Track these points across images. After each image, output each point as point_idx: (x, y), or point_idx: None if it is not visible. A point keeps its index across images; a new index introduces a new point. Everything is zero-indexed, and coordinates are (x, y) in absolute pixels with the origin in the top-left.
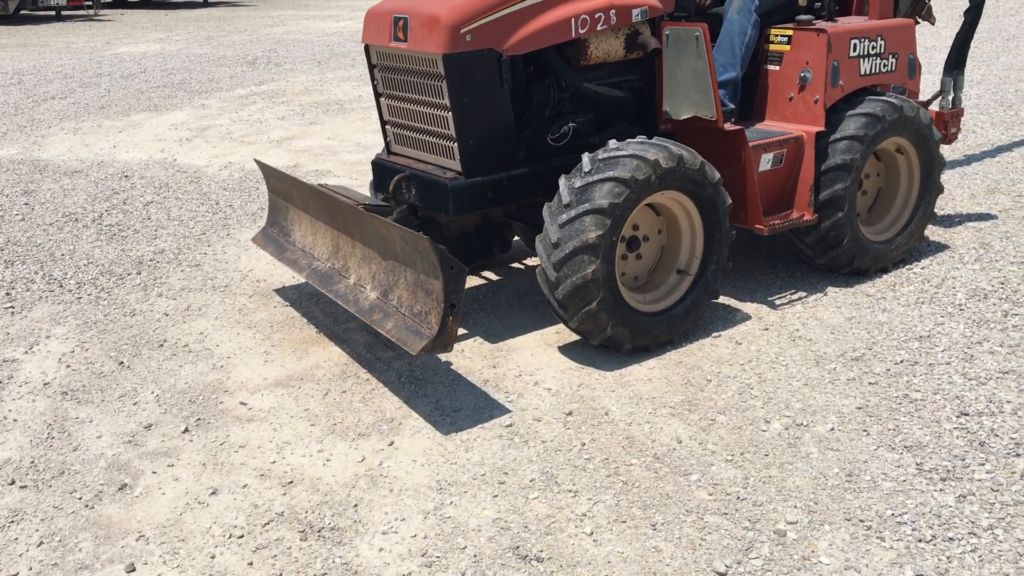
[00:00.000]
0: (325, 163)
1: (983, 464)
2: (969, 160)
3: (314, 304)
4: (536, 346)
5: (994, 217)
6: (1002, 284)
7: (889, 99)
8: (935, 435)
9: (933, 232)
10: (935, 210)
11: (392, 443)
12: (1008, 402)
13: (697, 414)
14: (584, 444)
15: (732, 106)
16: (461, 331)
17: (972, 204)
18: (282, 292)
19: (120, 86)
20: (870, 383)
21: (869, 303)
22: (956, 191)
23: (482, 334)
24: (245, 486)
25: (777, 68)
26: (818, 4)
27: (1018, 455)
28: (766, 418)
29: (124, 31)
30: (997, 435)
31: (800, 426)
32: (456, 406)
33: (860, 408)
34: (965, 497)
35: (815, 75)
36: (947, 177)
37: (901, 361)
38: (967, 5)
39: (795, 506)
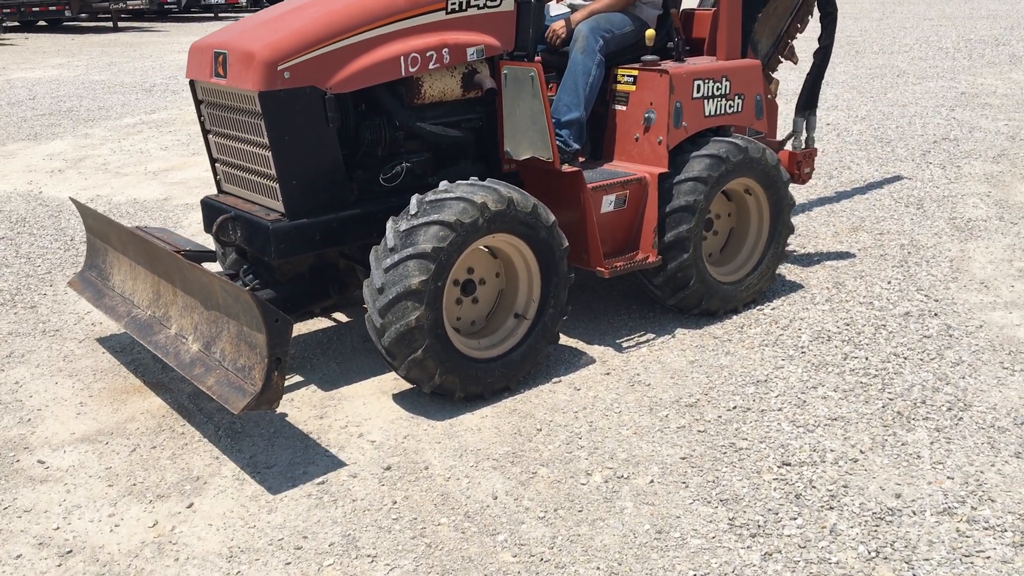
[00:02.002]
0: (198, 196)
1: (795, 518)
2: (839, 197)
3: (145, 350)
4: (371, 394)
5: (852, 256)
6: (848, 325)
7: (734, 140)
8: (753, 487)
9: (789, 271)
10: (789, 249)
11: (191, 505)
12: (831, 451)
13: (519, 467)
14: (395, 502)
15: (577, 146)
16: (295, 378)
17: (834, 242)
18: (115, 337)
19: (3, 114)
20: (699, 431)
21: (714, 345)
22: (821, 229)
23: (317, 381)
24: (19, 556)
25: (624, 108)
26: (669, 44)
27: (831, 508)
28: (588, 470)
29: (24, 56)
30: (814, 486)
31: (620, 478)
32: (271, 462)
33: (684, 458)
34: (771, 555)
35: (658, 116)
36: (815, 214)
37: (734, 407)
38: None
39: (598, 568)
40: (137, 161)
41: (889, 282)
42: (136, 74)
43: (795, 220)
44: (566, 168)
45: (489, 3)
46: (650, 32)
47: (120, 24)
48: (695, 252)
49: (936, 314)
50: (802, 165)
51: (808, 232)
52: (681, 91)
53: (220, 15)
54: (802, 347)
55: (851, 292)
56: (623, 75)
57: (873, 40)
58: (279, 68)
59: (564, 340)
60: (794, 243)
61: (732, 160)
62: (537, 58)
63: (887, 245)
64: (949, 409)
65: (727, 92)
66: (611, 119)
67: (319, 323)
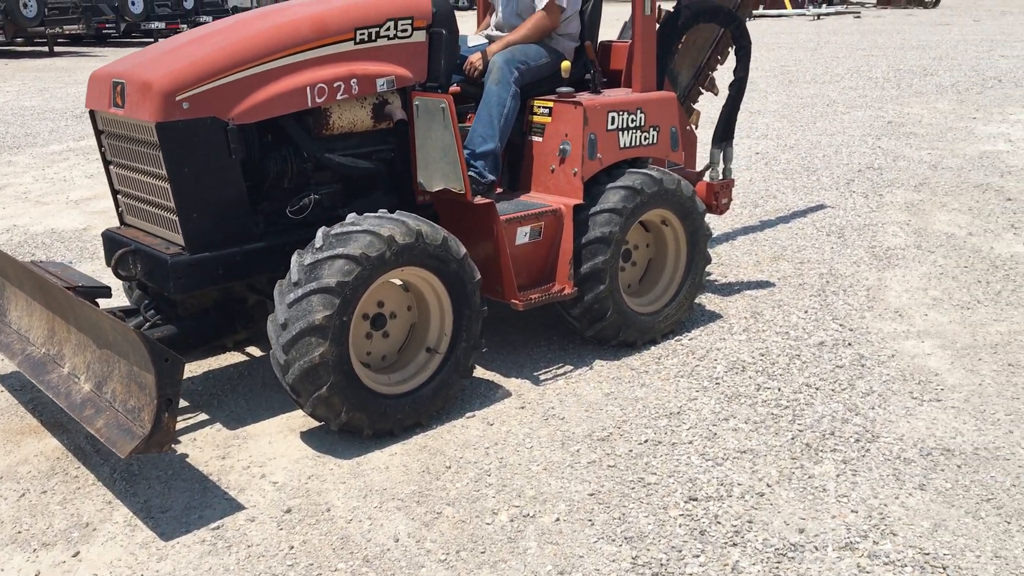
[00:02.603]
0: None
1: (698, 556)
2: (763, 226)
3: None
4: (277, 432)
5: (772, 285)
6: (763, 356)
7: (649, 172)
8: (659, 523)
9: (710, 301)
10: (711, 278)
11: (77, 554)
12: (739, 484)
13: (424, 507)
14: (292, 547)
15: (492, 177)
16: (200, 416)
17: (755, 271)
18: (15, 375)
19: None
20: (609, 466)
21: (630, 377)
22: (743, 258)
23: (223, 418)
24: None
25: (540, 140)
26: (588, 76)
27: (735, 544)
28: (494, 509)
29: None
30: (719, 522)
31: (526, 517)
32: (166, 506)
33: (592, 495)
34: None
35: (573, 148)
36: (739, 243)
37: (645, 440)
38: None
39: None
40: (60, 190)
41: (806, 311)
42: (68, 100)
43: (719, 249)
44: (478, 200)
45: (400, 34)
46: (566, 64)
47: (56, 49)
48: (611, 283)
49: (850, 344)
50: (720, 196)
51: (731, 261)
52: (595, 123)
53: (160, 40)
54: (717, 378)
55: (768, 322)
56: (539, 106)
57: (807, 70)
58: (177, 99)
59: (480, 373)
60: (716, 272)
61: (647, 191)
62: (456, 88)
63: (807, 274)
64: (857, 440)
65: (642, 124)
66: (528, 150)
67: (231, 357)
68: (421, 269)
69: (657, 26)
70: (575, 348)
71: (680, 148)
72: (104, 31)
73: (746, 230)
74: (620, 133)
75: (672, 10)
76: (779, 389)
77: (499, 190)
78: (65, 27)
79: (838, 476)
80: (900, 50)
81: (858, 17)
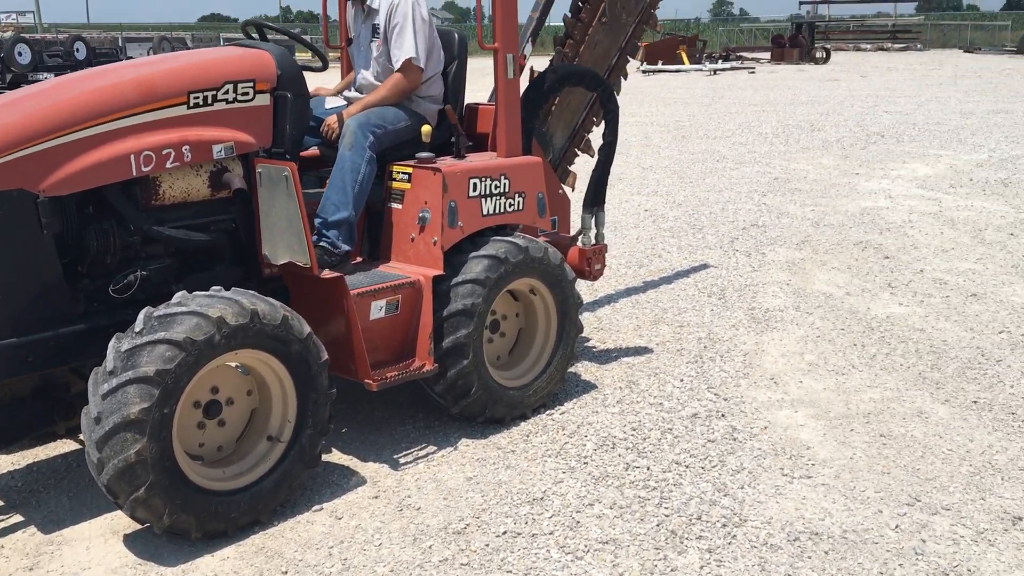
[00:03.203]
0: None
1: None
2: (646, 287)
3: None
4: (99, 535)
5: (650, 351)
6: (634, 430)
7: (514, 240)
8: None
9: (586, 370)
10: (589, 344)
11: None
12: None
13: None
14: None
15: (347, 247)
16: (13, 518)
17: (635, 336)
18: None
19: None
20: (462, 564)
21: (496, 458)
22: (624, 322)
23: (40, 520)
24: None
25: (400, 207)
26: (453, 139)
27: None
28: None
29: None
30: None
31: None
32: None
33: None
34: None
35: (433, 216)
36: (620, 305)
37: (504, 532)
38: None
39: None
40: None
41: (682, 380)
42: None
43: (600, 312)
44: (326, 274)
45: (240, 97)
46: (426, 128)
47: None
48: (475, 358)
49: (723, 415)
50: (592, 262)
51: (611, 325)
52: (456, 190)
53: None
54: (585, 457)
55: (643, 392)
56: (398, 172)
57: (700, 125)
58: None
59: (334, 457)
60: (595, 338)
61: (512, 260)
62: (314, 151)
63: (685, 339)
64: (724, 526)
65: (506, 190)
66: (388, 218)
67: (62, 446)
68: (259, 351)
69: (524, 89)
70: (441, 425)
71: (548, 214)
72: None
73: (629, 291)
74: (483, 200)
75: (538, 73)
76: (648, 468)
77: (360, 259)
78: None
79: (701, 568)
80: (790, 105)
81: (752, 72)
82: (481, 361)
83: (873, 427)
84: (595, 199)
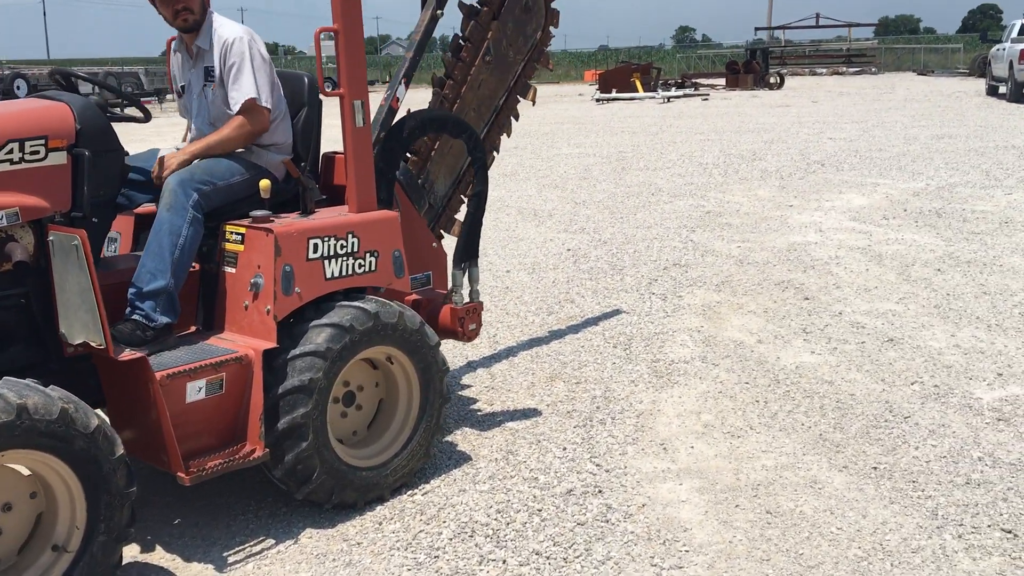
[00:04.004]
0: None
1: None
2: (551, 337)
3: None
4: None
5: (538, 414)
6: (500, 512)
7: (362, 306)
8: None
9: (465, 437)
10: (475, 407)
11: None
12: None
13: None
14: None
15: (166, 319)
16: None
17: (526, 395)
18: None
19: None
20: None
21: (338, 552)
22: (519, 378)
23: None
24: None
25: (233, 271)
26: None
27: None
28: None
29: None
30: None
31: None
32: None
33: None
34: None
35: (266, 281)
36: (519, 359)
37: None
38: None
39: None
40: None
41: (564, 448)
42: None
43: (495, 368)
44: (125, 355)
45: (28, 157)
46: (264, 183)
47: None
48: (316, 439)
49: (601, 490)
50: (466, 321)
51: (504, 383)
52: (291, 252)
53: None
54: (438, 548)
55: (520, 464)
56: (232, 232)
57: (642, 155)
58: None
59: (156, 557)
60: (484, 399)
61: (359, 329)
62: (151, 207)
63: (579, 398)
64: None
65: (355, 250)
66: (222, 283)
67: None
68: (35, 451)
69: (384, 137)
70: (287, 513)
71: (406, 274)
72: None
73: (532, 343)
74: (326, 262)
75: (396, 120)
76: (504, 561)
77: (194, 328)
78: None
79: None
80: (736, 133)
81: (706, 99)
82: (324, 442)
83: (761, 502)
84: (465, 253)
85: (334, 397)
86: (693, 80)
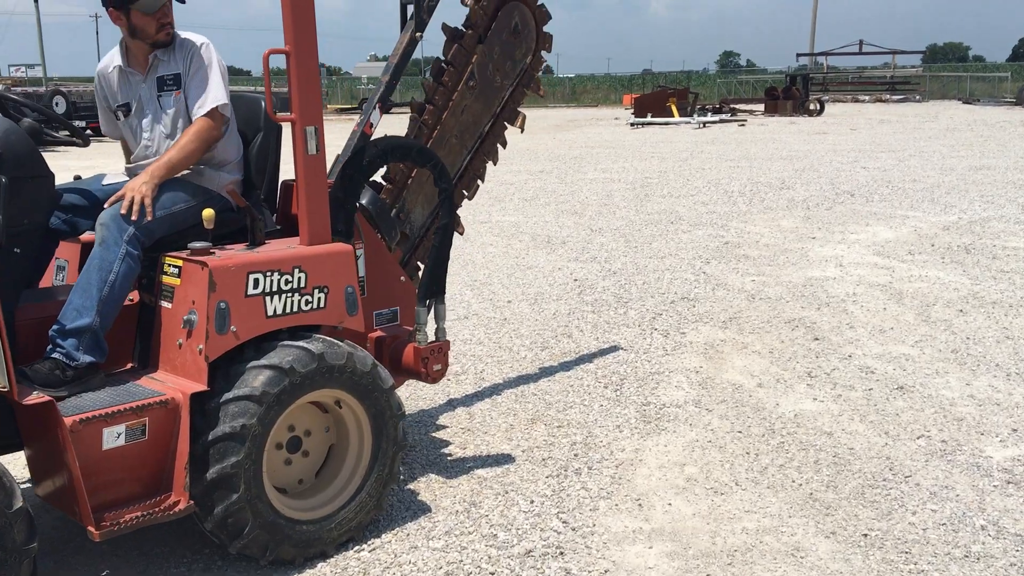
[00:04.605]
0: None
1: None
2: (541, 374)
3: None
4: None
5: (511, 460)
6: (456, 569)
7: (306, 346)
8: None
9: (428, 485)
10: (445, 451)
11: None
12: None
13: None
14: None
15: (89, 359)
16: None
17: (503, 439)
18: None
19: None
20: None
21: None
22: (499, 420)
23: None
24: None
25: (170, 307)
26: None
27: None
28: None
29: None
30: None
31: None
32: None
33: None
34: None
35: (199, 318)
36: (503, 398)
37: None
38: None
39: None
40: None
41: (532, 501)
42: None
43: (478, 407)
44: (30, 399)
45: None
46: (208, 212)
47: None
48: (249, 490)
49: (562, 552)
50: (430, 362)
51: (482, 425)
52: (227, 288)
53: None
54: None
55: (481, 517)
56: (169, 265)
57: (667, 182)
58: None
59: None
60: (457, 442)
61: (301, 371)
62: (85, 236)
63: (558, 443)
64: None
65: (301, 286)
66: (158, 319)
67: None
68: None
69: (342, 165)
70: (222, 566)
71: (359, 312)
72: None
73: (520, 380)
74: (267, 298)
75: (356, 148)
76: None
77: (130, 364)
78: None
79: None
80: (768, 161)
81: (743, 125)
82: (257, 494)
83: (735, 571)
84: (431, 289)
85: (277, 443)
86: (731, 105)
